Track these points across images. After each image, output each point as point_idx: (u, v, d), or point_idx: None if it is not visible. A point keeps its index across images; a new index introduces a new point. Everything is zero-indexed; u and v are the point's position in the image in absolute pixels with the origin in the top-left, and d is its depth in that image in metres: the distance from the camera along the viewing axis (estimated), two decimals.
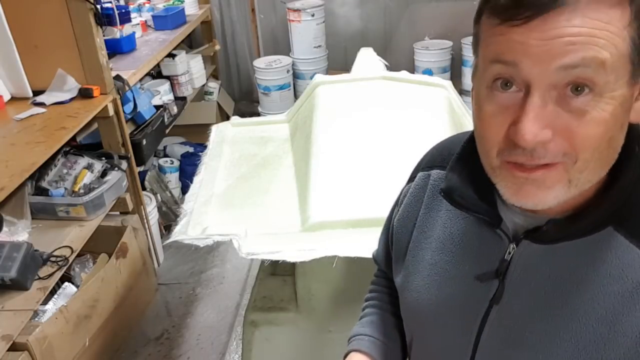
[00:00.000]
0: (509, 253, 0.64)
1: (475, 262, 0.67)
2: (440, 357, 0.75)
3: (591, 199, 0.58)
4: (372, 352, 0.84)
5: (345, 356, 0.86)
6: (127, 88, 2.33)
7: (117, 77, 2.29)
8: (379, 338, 0.86)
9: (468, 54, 3.56)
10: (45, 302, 1.85)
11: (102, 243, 2.17)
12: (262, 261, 1.72)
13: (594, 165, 0.54)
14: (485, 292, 0.66)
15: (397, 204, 0.85)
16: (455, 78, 3.58)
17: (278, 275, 1.86)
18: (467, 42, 3.56)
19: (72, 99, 2.14)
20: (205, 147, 2.13)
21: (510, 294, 0.64)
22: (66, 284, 2.00)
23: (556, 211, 0.58)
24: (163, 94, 2.91)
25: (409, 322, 0.81)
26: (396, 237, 0.81)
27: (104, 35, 2.21)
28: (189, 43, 3.82)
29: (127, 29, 2.71)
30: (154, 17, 3.12)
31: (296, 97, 3.78)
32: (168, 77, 3.08)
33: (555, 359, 0.61)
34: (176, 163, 3.18)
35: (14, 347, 1.59)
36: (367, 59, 2.47)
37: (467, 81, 3.63)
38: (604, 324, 0.58)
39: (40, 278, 1.80)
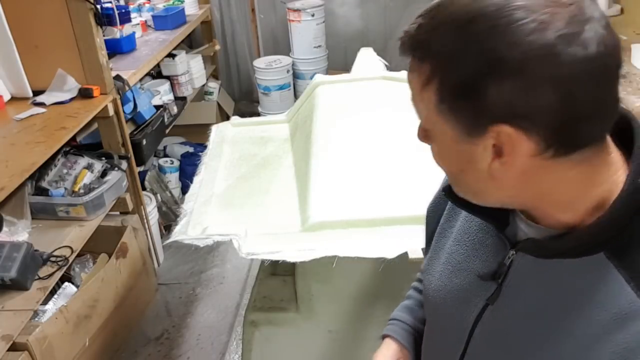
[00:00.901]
0: (509, 258, 0.66)
1: (482, 260, 0.70)
2: (440, 345, 0.80)
3: (583, 223, 0.59)
4: (402, 339, 0.92)
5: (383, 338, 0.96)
6: (127, 88, 2.33)
7: (117, 77, 2.29)
8: (409, 324, 0.94)
9: None
10: (45, 302, 1.85)
11: (102, 243, 2.17)
12: (262, 261, 1.72)
13: (467, 189, 0.62)
14: (484, 290, 0.68)
15: None
16: None
17: (278, 275, 1.86)
18: None
19: (72, 99, 2.14)
20: (205, 147, 2.13)
21: (504, 298, 0.66)
22: (66, 284, 2.00)
23: (556, 227, 0.60)
24: (163, 94, 2.91)
25: (424, 306, 0.87)
26: (427, 220, 0.85)
27: (104, 35, 2.20)
28: (189, 43, 3.82)
29: (127, 29, 2.71)
30: (154, 17, 3.12)
31: (296, 97, 3.78)
32: (168, 77, 3.08)
33: None
34: (176, 163, 3.18)
35: (14, 347, 1.59)
36: (367, 59, 2.47)
37: None
38: (581, 347, 0.59)
39: (40, 278, 1.80)
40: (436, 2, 0.56)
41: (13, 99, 2.19)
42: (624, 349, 0.54)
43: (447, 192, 0.69)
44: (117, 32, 2.65)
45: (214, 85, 3.70)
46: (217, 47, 3.82)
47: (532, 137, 0.52)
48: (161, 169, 3.09)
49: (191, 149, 3.34)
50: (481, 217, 0.68)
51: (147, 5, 3.25)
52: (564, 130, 0.52)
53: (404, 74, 2.16)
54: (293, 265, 1.65)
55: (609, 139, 0.57)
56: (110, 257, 2.13)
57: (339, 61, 3.87)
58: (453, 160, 0.60)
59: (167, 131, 2.91)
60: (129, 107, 2.52)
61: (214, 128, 2.24)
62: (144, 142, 2.52)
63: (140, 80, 2.68)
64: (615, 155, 0.57)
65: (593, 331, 0.57)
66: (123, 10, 2.67)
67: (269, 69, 3.69)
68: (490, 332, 0.69)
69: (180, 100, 3.12)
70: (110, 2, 2.57)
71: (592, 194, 0.57)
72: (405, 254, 1.36)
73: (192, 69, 3.24)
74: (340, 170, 1.68)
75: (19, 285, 1.73)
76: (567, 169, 0.55)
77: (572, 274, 0.59)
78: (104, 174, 2.18)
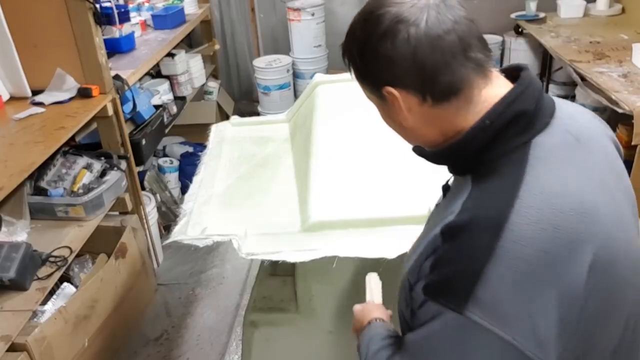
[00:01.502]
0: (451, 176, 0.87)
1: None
2: None
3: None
4: None
5: None
6: (126, 88, 2.32)
7: (117, 77, 2.29)
8: None
9: None
10: (44, 303, 1.85)
11: (101, 243, 2.16)
12: (262, 261, 1.71)
13: (405, 138, 0.84)
14: (440, 199, 0.91)
15: None
16: None
17: (278, 275, 1.85)
18: None
19: (71, 99, 2.13)
20: (205, 146, 2.13)
21: (442, 202, 0.87)
22: (65, 284, 1.99)
23: None
24: (162, 93, 2.90)
25: None
26: None
27: (103, 35, 2.20)
28: (189, 42, 3.82)
29: (126, 29, 2.71)
30: (153, 16, 3.12)
31: (296, 96, 3.77)
32: (167, 77, 3.07)
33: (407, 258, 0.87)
34: (175, 163, 3.18)
35: (13, 348, 1.59)
36: None
37: None
38: (426, 237, 0.77)
39: (39, 278, 1.79)
40: None
41: (12, 98, 2.19)
42: (430, 241, 0.74)
43: None
44: (117, 31, 2.64)
45: (213, 85, 3.69)
46: (217, 47, 3.82)
47: (409, 92, 0.74)
48: (160, 169, 3.09)
49: (191, 149, 3.34)
50: None
51: (146, 4, 3.24)
52: (427, 84, 0.73)
53: None
54: (293, 265, 1.64)
55: (505, 87, 0.75)
56: (109, 257, 2.12)
57: (339, 60, 3.74)
58: (384, 118, 0.84)
59: (166, 131, 2.90)
60: (128, 107, 2.51)
61: (213, 128, 2.24)
62: (143, 141, 2.51)
63: (140, 79, 2.68)
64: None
65: (434, 225, 0.76)
66: (122, 10, 2.66)
67: (268, 68, 3.68)
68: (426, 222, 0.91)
69: (179, 99, 3.11)
70: (110, 1, 2.57)
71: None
72: (405, 254, 1.35)
73: (191, 69, 3.24)
74: (340, 170, 1.68)
75: (17, 285, 1.73)
76: (453, 112, 0.75)
77: (458, 189, 0.78)
78: (103, 173, 2.18)
